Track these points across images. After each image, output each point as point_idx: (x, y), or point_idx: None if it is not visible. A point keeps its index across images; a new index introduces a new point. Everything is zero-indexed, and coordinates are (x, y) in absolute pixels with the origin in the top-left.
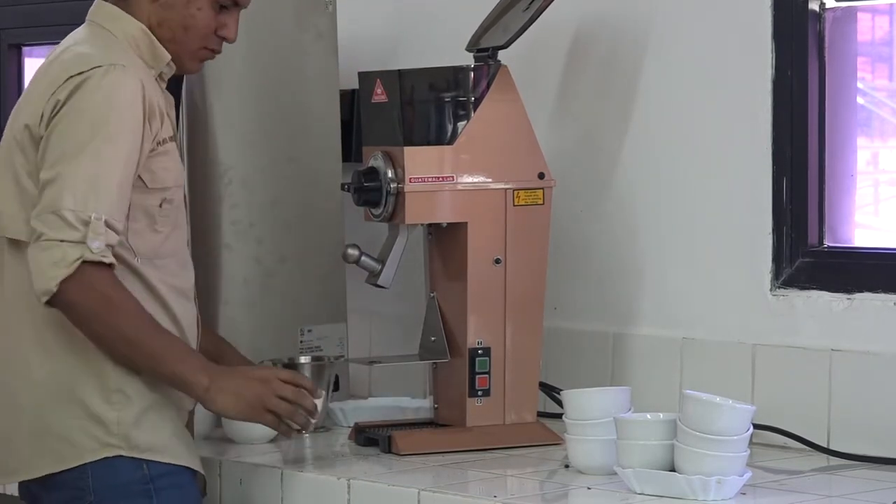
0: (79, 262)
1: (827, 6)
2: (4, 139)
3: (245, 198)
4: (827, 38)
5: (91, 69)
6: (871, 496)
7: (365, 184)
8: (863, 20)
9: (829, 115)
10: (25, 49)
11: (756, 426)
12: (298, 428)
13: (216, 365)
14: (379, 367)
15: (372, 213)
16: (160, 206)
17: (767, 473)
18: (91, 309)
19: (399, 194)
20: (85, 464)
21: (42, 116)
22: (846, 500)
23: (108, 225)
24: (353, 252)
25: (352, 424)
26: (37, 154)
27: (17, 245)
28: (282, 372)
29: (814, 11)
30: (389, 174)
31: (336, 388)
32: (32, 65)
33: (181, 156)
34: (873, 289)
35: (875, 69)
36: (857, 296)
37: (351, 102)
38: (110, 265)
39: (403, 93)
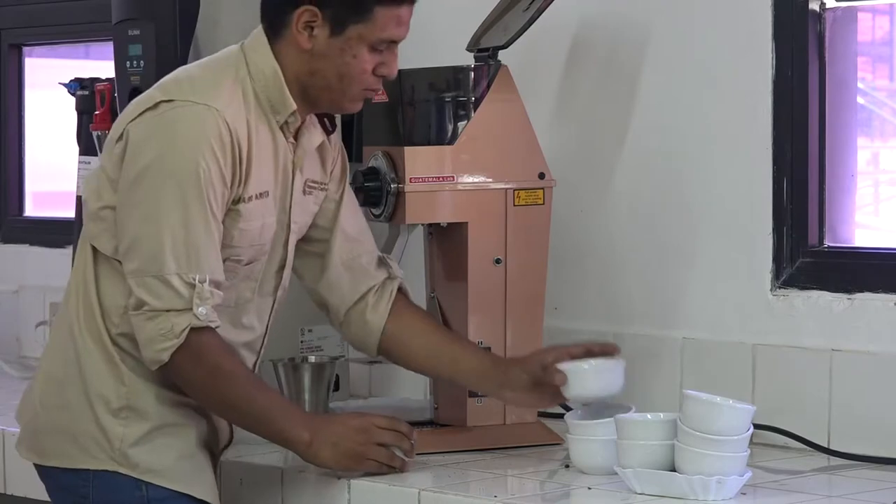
0: (187, 331)
1: (827, 6)
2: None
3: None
4: (827, 38)
5: (182, 102)
6: (871, 496)
7: (365, 184)
8: (863, 20)
9: (830, 115)
10: (26, 49)
11: (756, 426)
12: (399, 468)
13: (316, 416)
14: (379, 367)
15: (372, 213)
16: (224, 261)
17: (768, 473)
18: (200, 379)
19: (399, 194)
20: (88, 470)
21: (122, 137)
22: (846, 500)
23: (212, 282)
24: None
25: None
26: (116, 169)
27: (84, 244)
28: (379, 419)
29: (814, 11)
30: (390, 174)
31: (336, 388)
32: (32, 65)
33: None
34: (874, 289)
35: (875, 69)
36: (858, 296)
37: None
38: (216, 327)
39: (404, 93)
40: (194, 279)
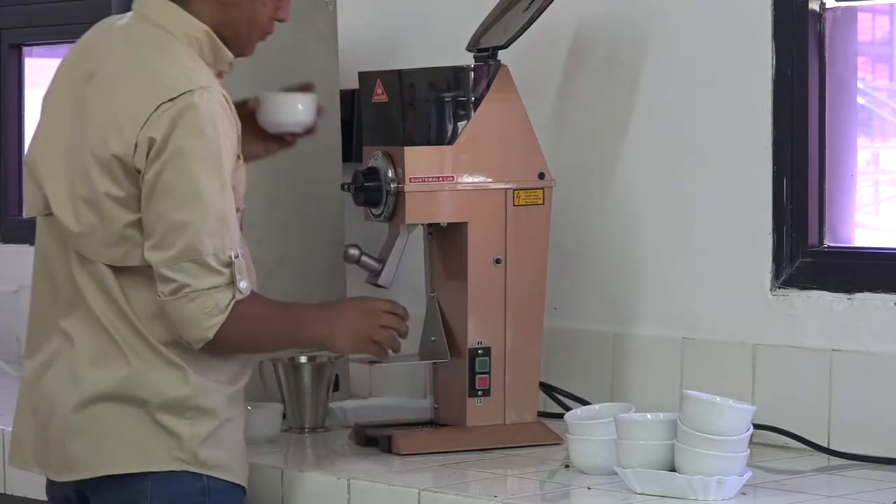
0: (231, 305)
1: (827, 6)
2: (75, 159)
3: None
4: (827, 38)
5: (181, 95)
6: (871, 496)
7: (365, 184)
8: (863, 20)
9: (830, 115)
10: (25, 49)
11: (756, 426)
12: (395, 350)
13: (328, 308)
14: (379, 367)
15: (372, 213)
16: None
17: (768, 473)
18: (241, 341)
19: (399, 194)
20: (147, 473)
21: (136, 148)
22: (846, 500)
23: (240, 254)
24: (353, 252)
25: (352, 424)
26: (132, 184)
27: (91, 262)
28: (382, 303)
29: (814, 11)
30: (390, 174)
31: (336, 388)
32: (32, 65)
33: None
34: (873, 289)
35: (875, 69)
36: (858, 296)
37: (351, 102)
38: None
39: (404, 93)
40: (230, 256)
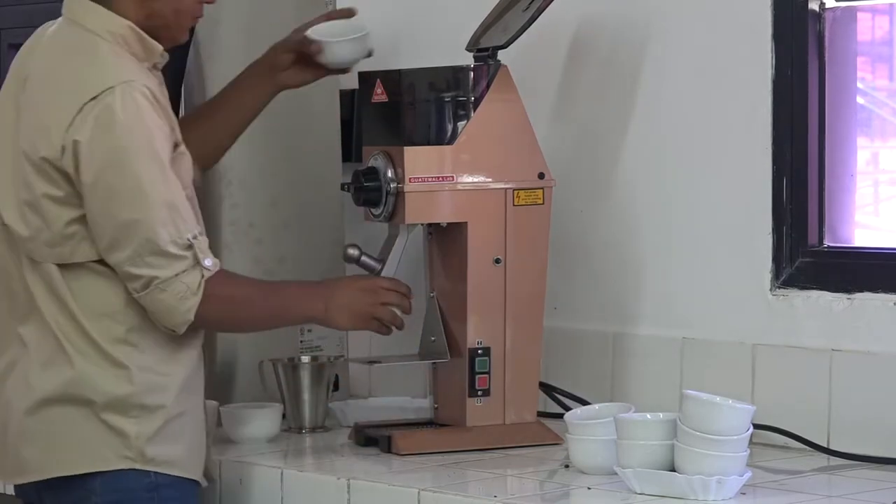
0: (202, 284)
1: (827, 6)
2: (17, 164)
3: (245, 198)
4: (827, 38)
5: (102, 93)
6: (871, 496)
7: (365, 184)
8: (863, 20)
9: (829, 114)
10: None
11: (756, 426)
12: (398, 327)
13: (325, 285)
14: (379, 367)
15: (372, 213)
16: None
17: (767, 473)
18: (220, 317)
19: (399, 194)
20: (95, 473)
21: (62, 151)
22: (846, 500)
23: (199, 233)
24: (353, 252)
25: (352, 424)
26: (68, 183)
27: (39, 264)
28: (383, 280)
29: (814, 11)
30: (389, 174)
31: (336, 388)
32: None
33: None
34: (873, 289)
35: (875, 69)
36: (858, 296)
37: (351, 102)
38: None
39: (403, 93)
40: (188, 238)
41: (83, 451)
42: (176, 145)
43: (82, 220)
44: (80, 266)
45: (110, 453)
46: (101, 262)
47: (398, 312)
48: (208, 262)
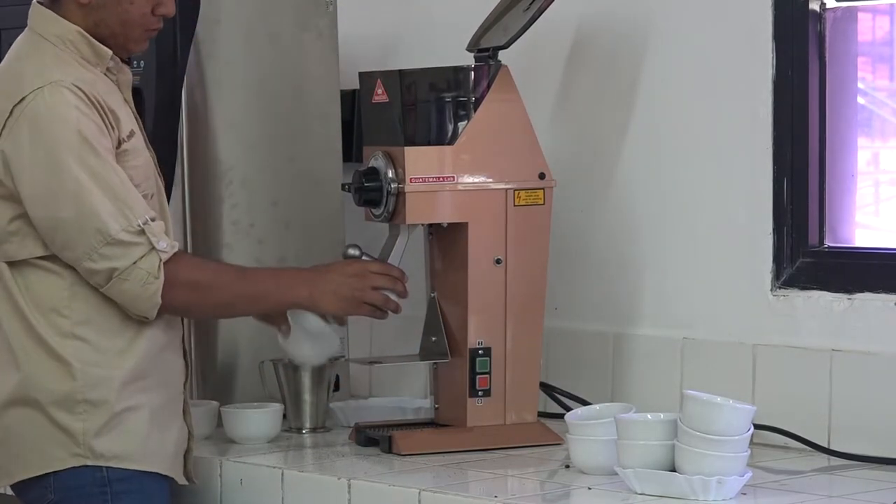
0: (161, 267)
1: (827, 6)
2: None
3: (246, 198)
4: (827, 39)
5: (30, 93)
6: (871, 496)
7: (365, 184)
8: (863, 20)
9: (830, 115)
10: None
11: (756, 426)
12: (393, 310)
13: (310, 270)
14: (379, 368)
15: (372, 213)
16: None
17: (768, 473)
18: (188, 302)
19: (399, 194)
20: (49, 474)
21: None
22: (847, 500)
23: (151, 218)
24: (353, 252)
25: (352, 424)
26: (3, 185)
27: None
28: (373, 265)
29: (814, 11)
30: (390, 174)
31: (337, 388)
32: None
33: (180, 151)
34: (874, 289)
35: (875, 69)
36: (858, 296)
37: (352, 102)
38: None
39: (404, 93)
40: (138, 224)
41: (37, 452)
42: (119, 142)
43: (24, 217)
44: (26, 262)
45: (62, 452)
46: (47, 258)
47: (393, 297)
48: (163, 244)
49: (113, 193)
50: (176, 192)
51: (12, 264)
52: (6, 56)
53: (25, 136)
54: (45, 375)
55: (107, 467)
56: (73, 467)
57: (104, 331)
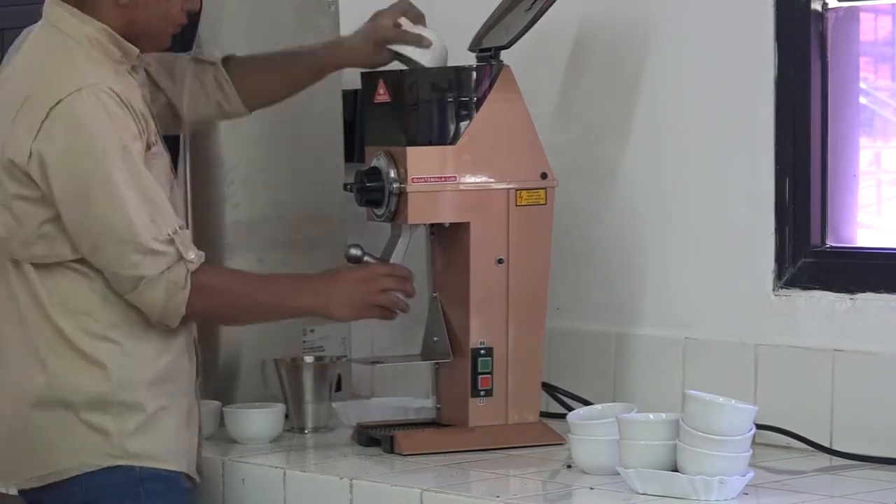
0: (188, 278)
1: (829, 6)
2: None
3: (248, 198)
4: (829, 39)
5: (67, 96)
6: (873, 496)
7: (367, 184)
8: (865, 20)
9: (832, 115)
10: None
11: (758, 426)
12: (402, 310)
13: (322, 279)
14: (381, 368)
15: (374, 214)
16: None
17: (770, 474)
18: (209, 311)
19: (401, 194)
20: (81, 475)
21: (30, 157)
22: (849, 500)
23: (180, 227)
24: (355, 252)
25: (354, 424)
26: (37, 185)
27: (17, 264)
28: (380, 267)
29: (816, 11)
30: (392, 174)
31: (338, 388)
32: None
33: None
34: (876, 289)
35: (877, 69)
36: (860, 296)
37: (353, 102)
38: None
39: (406, 93)
40: (168, 234)
41: (69, 454)
42: (149, 146)
43: (55, 220)
44: (56, 265)
45: (95, 452)
46: (78, 261)
47: (401, 297)
48: (191, 254)
49: (146, 201)
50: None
51: (39, 267)
52: (22, 53)
53: (62, 139)
54: (78, 377)
55: (139, 467)
56: (107, 467)
57: (132, 334)
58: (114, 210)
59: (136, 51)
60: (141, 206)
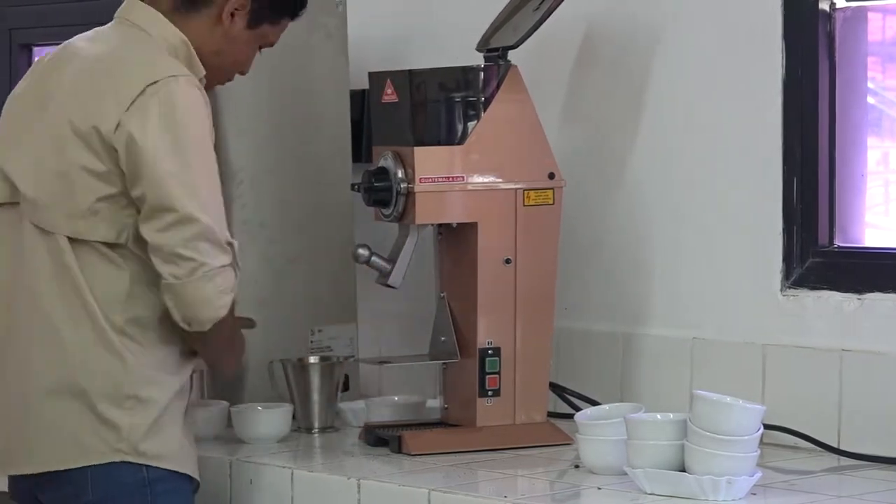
0: (235, 288)
1: (837, 6)
2: (43, 135)
3: (255, 198)
4: (837, 38)
5: (164, 79)
6: (881, 496)
7: (375, 184)
8: (873, 20)
9: (840, 114)
10: (36, 49)
11: (766, 426)
12: None
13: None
14: (389, 368)
15: (382, 214)
16: None
17: (778, 474)
18: (228, 332)
19: (409, 194)
20: (87, 467)
21: (117, 127)
22: (856, 500)
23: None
24: (363, 252)
25: (362, 424)
26: (111, 160)
27: (49, 237)
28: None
29: (824, 11)
30: (399, 174)
31: (346, 388)
32: None
33: None
34: (884, 289)
35: (885, 69)
36: (868, 296)
37: (361, 102)
38: None
39: (414, 93)
40: (229, 238)
41: (76, 444)
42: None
43: (112, 199)
44: (89, 245)
45: (102, 446)
46: (113, 246)
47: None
48: (241, 264)
49: (218, 203)
50: None
51: (74, 243)
52: (97, 39)
53: (155, 116)
54: (98, 365)
55: (147, 466)
56: (113, 462)
57: (150, 331)
58: (194, 195)
59: (203, 70)
60: (215, 200)
